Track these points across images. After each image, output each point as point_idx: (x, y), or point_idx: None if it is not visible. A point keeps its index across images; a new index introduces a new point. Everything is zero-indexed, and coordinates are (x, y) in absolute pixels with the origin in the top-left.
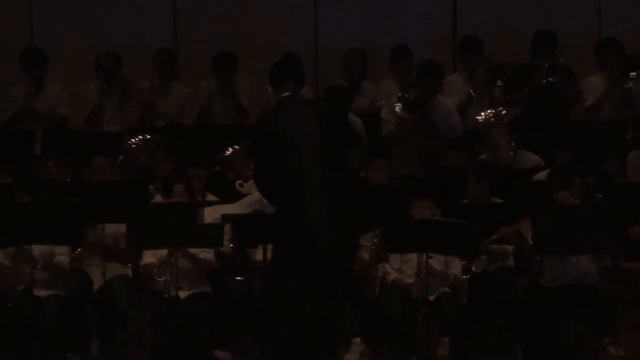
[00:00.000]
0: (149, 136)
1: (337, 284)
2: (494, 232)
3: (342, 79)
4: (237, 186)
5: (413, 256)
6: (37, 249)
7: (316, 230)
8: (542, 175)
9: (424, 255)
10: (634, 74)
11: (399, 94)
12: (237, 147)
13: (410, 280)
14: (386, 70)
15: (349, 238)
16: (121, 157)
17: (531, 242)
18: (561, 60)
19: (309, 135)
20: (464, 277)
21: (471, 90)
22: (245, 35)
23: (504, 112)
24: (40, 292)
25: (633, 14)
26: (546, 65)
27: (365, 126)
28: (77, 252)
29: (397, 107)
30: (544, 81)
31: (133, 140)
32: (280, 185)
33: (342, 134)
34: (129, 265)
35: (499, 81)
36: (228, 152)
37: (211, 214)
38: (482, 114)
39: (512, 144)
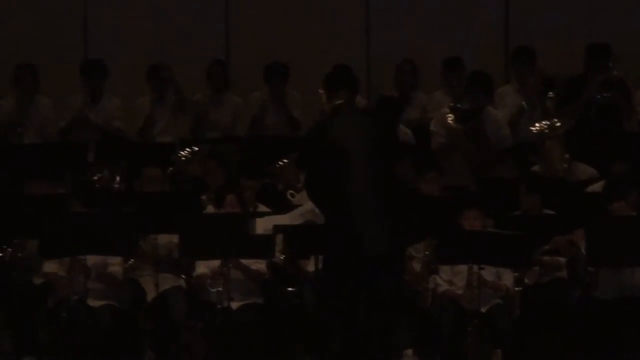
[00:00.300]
0: (197, 148)
1: (388, 293)
2: (547, 243)
3: (394, 89)
4: (289, 196)
5: (463, 268)
6: (91, 259)
7: (364, 238)
8: (596, 186)
9: (475, 266)
10: None
11: (451, 105)
12: (286, 161)
13: (461, 292)
14: (437, 81)
15: (398, 247)
16: (171, 168)
17: (585, 253)
18: (615, 73)
19: (359, 144)
20: (517, 288)
21: (523, 102)
22: (297, 46)
23: (558, 123)
24: (94, 302)
25: None
26: (599, 80)
27: (415, 137)
28: (130, 262)
29: (449, 118)
30: (598, 96)
31: (182, 152)
32: (330, 192)
33: (392, 145)
34: (182, 276)
35: (550, 92)
36: (277, 166)
37: (263, 225)
38: (537, 125)
39: (566, 155)
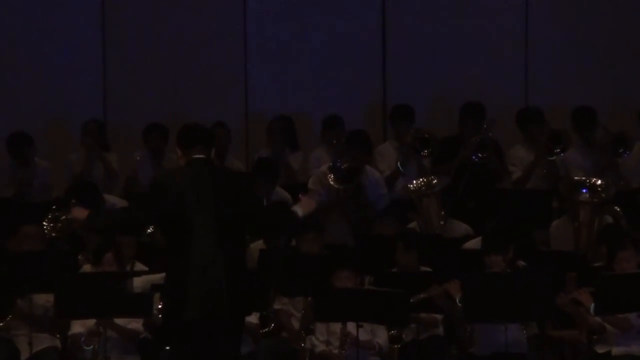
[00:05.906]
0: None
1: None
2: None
3: (267, 148)
4: None
5: (339, 327)
6: None
7: (193, 301)
8: (471, 243)
9: (346, 325)
10: (558, 149)
11: (331, 164)
12: None
13: (336, 352)
14: (317, 140)
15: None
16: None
17: (460, 304)
18: (490, 134)
19: (202, 197)
20: (395, 346)
21: (399, 164)
22: (175, 105)
23: (435, 181)
24: None
25: (560, 84)
26: (476, 141)
27: (294, 196)
28: (4, 322)
29: (330, 179)
30: (473, 157)
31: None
32: (171, 248)
33: (245, 202)
34: (57, 335)
35: (425, 151)
36: None
37: (141, 283)
38: (414, 182)
39: (442, 213)
